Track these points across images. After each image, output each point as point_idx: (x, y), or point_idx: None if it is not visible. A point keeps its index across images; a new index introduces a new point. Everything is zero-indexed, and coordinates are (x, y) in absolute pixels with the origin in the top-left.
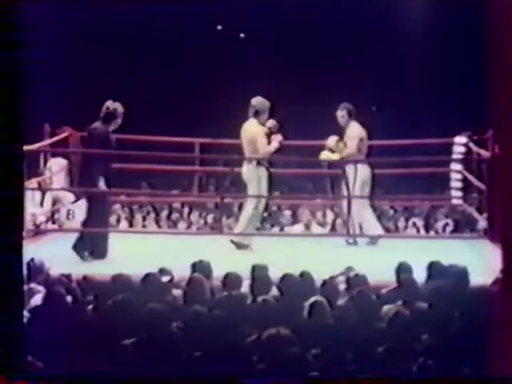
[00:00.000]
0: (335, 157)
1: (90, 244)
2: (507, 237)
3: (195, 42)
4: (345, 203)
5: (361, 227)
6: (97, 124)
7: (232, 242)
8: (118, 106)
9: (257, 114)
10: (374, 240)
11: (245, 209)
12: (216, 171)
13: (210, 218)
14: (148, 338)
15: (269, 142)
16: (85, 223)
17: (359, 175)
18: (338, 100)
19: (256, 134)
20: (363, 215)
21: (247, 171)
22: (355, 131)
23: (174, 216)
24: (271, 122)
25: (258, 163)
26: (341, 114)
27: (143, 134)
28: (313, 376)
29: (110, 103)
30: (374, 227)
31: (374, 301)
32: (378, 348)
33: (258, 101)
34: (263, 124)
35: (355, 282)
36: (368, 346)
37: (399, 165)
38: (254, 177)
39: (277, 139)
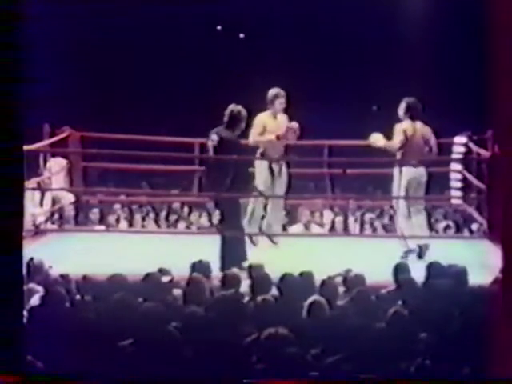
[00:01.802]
0: (381, 143)
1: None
2: (507, 237)
3: (195, 42)
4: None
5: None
6: (221, 129)
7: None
8: (241, 109)
9: (269, 102)
10: (423, 249)
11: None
12: None
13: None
14: (147, 338)
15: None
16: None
17: (404, 176)
18: (338, 99)
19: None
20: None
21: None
22: (401, 126)
23: (174, 216)
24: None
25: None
26: (400, 107)
27: (143, 134)
28: (312, 376)
29: (232, 106)
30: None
31: (374, 301)
32: (377, 348)
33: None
34: (275, 114)
35: (354, 281)
36: (367, 345)
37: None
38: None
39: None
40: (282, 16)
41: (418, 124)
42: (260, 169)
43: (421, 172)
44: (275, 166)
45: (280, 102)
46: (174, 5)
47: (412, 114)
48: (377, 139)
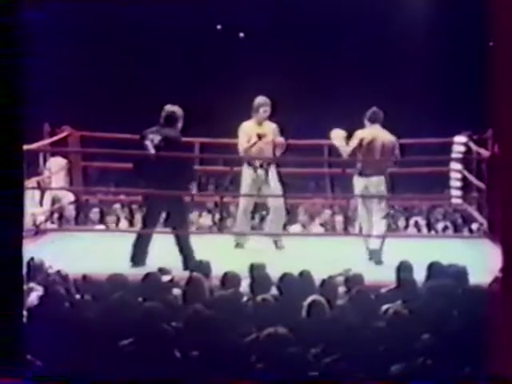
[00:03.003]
0: (337, 142)
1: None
2: (507, 236)
3: (195, 42)
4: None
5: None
6: (159, 129)
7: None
8: (177, 109)
9: (254, 110)
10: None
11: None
12: (216, 170)
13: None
14: (147, 338)
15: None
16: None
17: (356, 184)
18: (337, 99)
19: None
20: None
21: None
22: (359, 133)
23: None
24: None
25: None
26: (365, 115)
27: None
28: (312, 376)
29: (168, 106)
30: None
31: (374, 300)
32: (377, 348)
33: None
34: (260, 122)
35: (354, 281)
36: (367, 345)
37: (399, 164)
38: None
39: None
40: (282, 16)
41: (381, 132)
42: (245, 176)
43: (373, 181)
44: (261, 173)
45: (264, 110)
46: (174, 4)
47: (374, 122)
48: (336, 136)
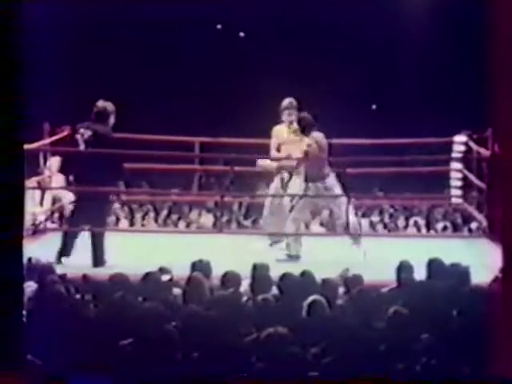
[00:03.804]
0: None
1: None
2: (507, 236)
3: (195, 41)
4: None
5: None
6: (90, 124)
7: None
8: (108, 105)
9: (281, 113)
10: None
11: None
12: (216, 170)
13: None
14: (147, 338)
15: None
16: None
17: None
18: (338, 98)
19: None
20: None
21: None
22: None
23: (174, 215)
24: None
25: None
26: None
27: (143, 133)
28: (312, 376)
29: (100, 102)
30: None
31: (374, 300)
32: (377, 348)
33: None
34: (288, 124)
35: (354, 281)
36: (367, 345)
37: (399, 164)
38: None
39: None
40: (282, 15)
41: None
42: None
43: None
44: (286, 176)
45: (288, 113)
46: (174, 4)
47: (304, 129)
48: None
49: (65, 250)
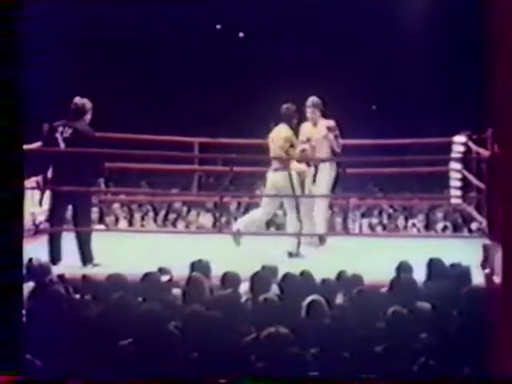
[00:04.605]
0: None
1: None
2: (507, 236)
3: (194, 41)
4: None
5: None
6: (70, 122)
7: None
8: (86, 102)
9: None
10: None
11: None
12: (215, 170)
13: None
14: (147, 338)
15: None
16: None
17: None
18: (338, 98)
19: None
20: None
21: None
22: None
23: (173, 215)
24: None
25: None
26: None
27: (142, 134)
28: (312, 376)
29: (77, 99)
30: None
31: (373, 300)
32: (377, 348)
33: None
34: (313, 122)
35: (354, 281)
36: (367, 345)
37: (398, 164)
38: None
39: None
40: (282, 15)
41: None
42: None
43: (276, 176)
44: (309, 171)
45: (311, 111)
46: (174, 4)
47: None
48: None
49: (55, 253)
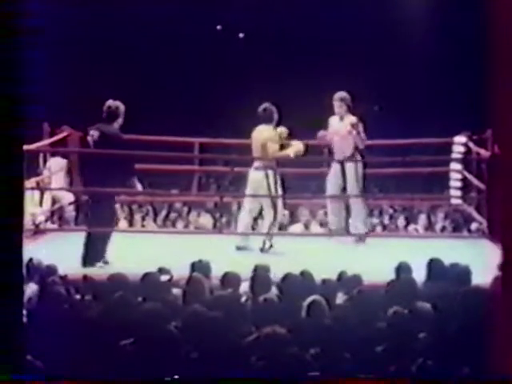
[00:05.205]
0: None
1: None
2: (507, 236)
3: (195, 42)
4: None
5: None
6: (100, 125)
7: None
8: (119, 105)
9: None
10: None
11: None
12: (215, 171)
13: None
14: (147, 338)
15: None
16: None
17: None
18: None
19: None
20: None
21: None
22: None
23: (173, 215)
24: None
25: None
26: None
27: (142, 134)
28: (312, 376)
29: (110, 102)
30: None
31: (374, 300)
32: (377, 348)
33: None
34: (341, 117)
35: (354, 281)
36: (367, 345)
37: (399, 164)
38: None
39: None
40: (282, 16)
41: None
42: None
43: (258, 175)
44: (338, 168)
45: (338, 105)
46: (174, 4)
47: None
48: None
49: (92, 255)
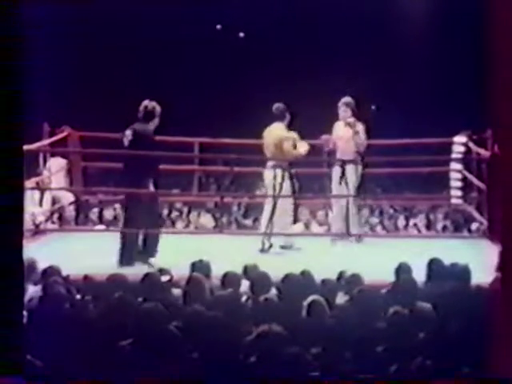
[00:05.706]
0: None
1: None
2: (507, 236)
3: (195, 41)
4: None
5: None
6: (136, 125)
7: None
8: (155, 105)
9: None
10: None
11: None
12: (215, 171)
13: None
14: (147, 338)
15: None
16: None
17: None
18: (338, 99)
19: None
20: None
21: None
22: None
23: (174, 215)
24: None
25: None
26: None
27: None
28: (312, 376)
29: (147, 102)
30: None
31: (374, 300)
32: (377, 348)
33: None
34: (345, 121)
35: (354, 281)
36: (368, 345)
37: (399, 164)
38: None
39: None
40: (282, 16)
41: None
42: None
43: (269, 175)
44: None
45: (342, 110)
46: (174, 4)
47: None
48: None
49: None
